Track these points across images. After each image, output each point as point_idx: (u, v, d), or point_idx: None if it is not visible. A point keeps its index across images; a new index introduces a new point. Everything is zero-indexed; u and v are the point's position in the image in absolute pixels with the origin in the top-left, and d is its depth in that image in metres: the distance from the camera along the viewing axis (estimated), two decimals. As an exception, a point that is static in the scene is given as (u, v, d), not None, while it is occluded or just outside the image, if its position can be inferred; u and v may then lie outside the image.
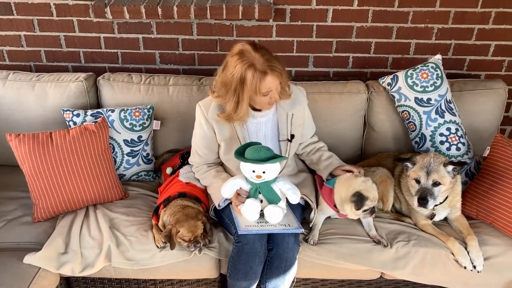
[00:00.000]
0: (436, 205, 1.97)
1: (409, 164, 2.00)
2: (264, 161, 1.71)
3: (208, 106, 1.96)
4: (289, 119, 1.98)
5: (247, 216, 1.80)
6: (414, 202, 1.93)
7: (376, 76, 2.57)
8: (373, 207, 1.89)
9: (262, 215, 1.82)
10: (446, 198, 1.99)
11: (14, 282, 1.78)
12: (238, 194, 1.85)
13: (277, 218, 1.78)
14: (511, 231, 1.95)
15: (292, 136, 1.99)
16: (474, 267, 1.89)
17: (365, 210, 1.87)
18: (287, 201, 1.86)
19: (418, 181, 1.94)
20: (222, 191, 1.83)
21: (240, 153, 1.78)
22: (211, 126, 1.97)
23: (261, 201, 1.82)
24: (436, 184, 1.90)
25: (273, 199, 1.81)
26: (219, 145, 2.03)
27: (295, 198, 1.81)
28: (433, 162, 1.92)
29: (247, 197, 1.82)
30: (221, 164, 2.12)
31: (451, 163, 1.93)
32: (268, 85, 1.76)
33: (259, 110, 1.95)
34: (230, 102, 1.82)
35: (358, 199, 1.83)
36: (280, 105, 1.98)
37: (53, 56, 2.66)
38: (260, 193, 1.81)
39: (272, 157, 1.73)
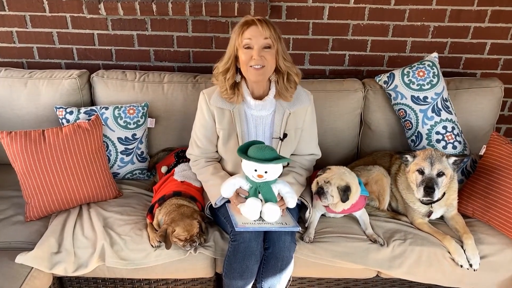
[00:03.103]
0: (434, 201, 1.97)
1: (409, 157, 2.00)
2: (267, 161, 1.69)
3: (211, 94, 1.99)
4: (285, 117, 1.97)
5: (248, 215, 1.79)
6: (419, 193, 1.92)
7: (372, 74, 2.57)
8: (321, 189, 1.89)
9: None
10: (443, 195, 1.98)
11: (5, 282, 1.74)
12: (237, 193, 1.84)
13: (275, 216, 1.78)
14: (507, 230, 1.95)
15: (285, 135, 1.98)
16: (470, 265, 1.89)
17: (317, 182, 1.94)
18: None
19: (421, 172, 1.93)
20: (222, 190, 1.82)
21: (243, 151, 1.76)
22: (212, 113, 1.98)
23: (261, 201, 1.81)
24: (440, 174, 1.90)
25: (271, 199, 1.80)
26: (218, 136, 2.02)
27: (292, 202, 1.81)
28: (435, 154, 1.93)
29: (247, 197, 1.81)
30: (219, 160, 2.11)
31: (453, 155, 1.94)
32: (248, 35, 1.80)
33: (258, 99, 1.95)
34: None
35: (321, 171, 1.96)
36: (280, 103, 1.98)
37: (46, 53, 2.62)
38: (259, 193, 1.79)
39: (275, 158, 1.72)
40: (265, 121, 1.99)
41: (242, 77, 1.94)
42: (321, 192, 1.90)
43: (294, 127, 2.00)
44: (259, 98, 1.96)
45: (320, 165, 2.26)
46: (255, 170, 1.72)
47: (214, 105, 1.96)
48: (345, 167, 2.00)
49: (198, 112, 2.04)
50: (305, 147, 2.10)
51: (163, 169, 2.26)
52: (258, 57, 1.81)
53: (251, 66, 1.84)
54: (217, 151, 2.08)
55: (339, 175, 1.91)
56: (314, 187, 1.97)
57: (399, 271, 1.95)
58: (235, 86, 1.94)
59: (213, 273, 2.03)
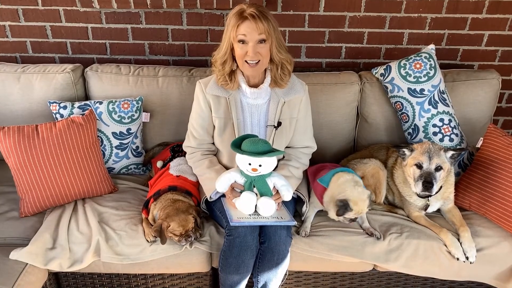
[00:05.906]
0: (431, 195, 1.96)
1: (406, 151, 1.98)
2: (261, 154, 1.68)
3: (207, 83, 1.99)
4: (280, 106, 1.97)
5: (243, 210, 1.78)
6: (418, 187, 1.91)
7: (369, 66, 2.55)
8: (355, 218, 1.88)
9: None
10: (440, 189, 1.97)
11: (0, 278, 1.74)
12: (232, 188, 1.83)
13: (270, 210, 1.77)
14: (503, 222, 1.95)
15: (279, 123, 1.97)
16: (467, 258, 1.89)
17: (345, 217, 1.88)
18: None
19: (419, 167, 1.92)
20: (217, 185, 1.81)
21: (237, 145, 1.75)
22: (208, 102, 1.98)
23: (256, 195, 1.80)
24: (438, 168, 1.89)
25: (266, 193, 1.79)
26: (214, 127, 2.01)
27: (288, 195, 1.80)
28: (433, 148, 1.91)
29: (242, 191, 1.80)
30: (215, 154, 2.09)
31: (451, 148, 1.93)
32: (243, 30, 1.77)
33: (254, 87, 1.94)
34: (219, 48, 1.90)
35: (342, 207, 1.83)
36: (275, 92, 1.97)
37: (39, 47, 2.60)
38: (254, 187, 1.78)
39: (269, 151, 1.71)
40: (260, 109, 1.98)
41: (238, 65, 1.93)
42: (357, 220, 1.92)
43: (289, 117, 1.99)
44: (255, 86, 1.96)
45: (317, 158, 2.25)
46: (249, 164, 1.71)
47: (210, 93, 1.96)
48: (341, 174, 1.94)
49: (195, 102, 2.03)
50: (300, 138, 2.08)
51: (159, 163, 2.25)
52: (253, 54, 1.80)
53: (246, 62, 1.83)
54: (213, 143, 2.06)
55: (359, 199, 1.82)
56: (341, 218, 1.90)
57: (396, 265, 1.95)
58: (231, 73, 1.94)
59: (209, 268, 2.02)
